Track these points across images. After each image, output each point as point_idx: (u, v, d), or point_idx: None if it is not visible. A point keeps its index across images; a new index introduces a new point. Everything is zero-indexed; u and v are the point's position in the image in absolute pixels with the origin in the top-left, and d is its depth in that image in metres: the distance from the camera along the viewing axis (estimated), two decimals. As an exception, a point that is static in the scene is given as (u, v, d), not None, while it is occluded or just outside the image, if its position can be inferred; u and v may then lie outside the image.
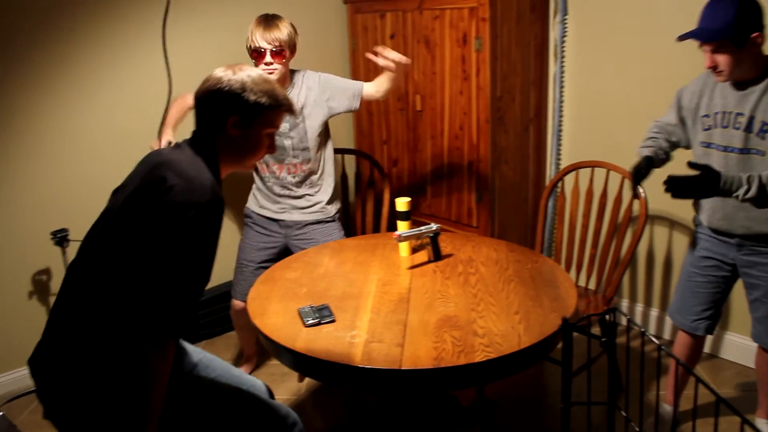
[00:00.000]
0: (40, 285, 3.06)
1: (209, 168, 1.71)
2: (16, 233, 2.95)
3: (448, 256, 2.43)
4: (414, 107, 3.45)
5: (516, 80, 3.21)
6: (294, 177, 2.78)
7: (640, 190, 2.56)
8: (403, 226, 2.45)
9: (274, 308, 2.08)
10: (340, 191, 3.15)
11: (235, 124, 1.73)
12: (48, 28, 2.88)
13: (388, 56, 2.59)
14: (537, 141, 3.43)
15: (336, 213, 2.91)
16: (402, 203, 2.43)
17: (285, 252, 2.85)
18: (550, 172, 3.52)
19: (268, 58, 2.59)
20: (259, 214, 2.88)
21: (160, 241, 1.56)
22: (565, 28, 3.32)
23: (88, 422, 1.65)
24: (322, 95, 2.75)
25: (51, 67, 2.92)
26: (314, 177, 2.82)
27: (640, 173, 2.26)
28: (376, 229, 3.28)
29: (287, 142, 2.72)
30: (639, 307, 3.39)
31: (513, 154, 3.29)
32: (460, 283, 2.18)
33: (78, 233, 3.00)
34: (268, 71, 2.59)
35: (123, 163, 3.13)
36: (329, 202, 2.88)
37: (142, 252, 1.58)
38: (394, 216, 2.55)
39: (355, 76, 3.71)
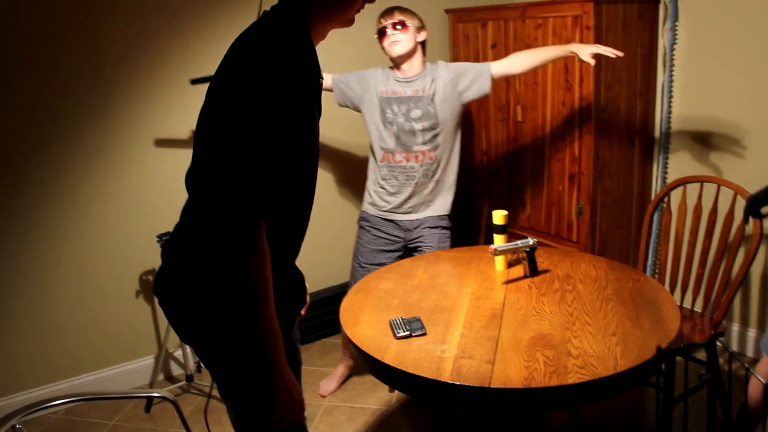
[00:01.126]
0: (146, 284, 3.22)
1: (292, 30, 1.45)
2: (126, 235, 3.13)
3: (545, 271, 2.37)
4: (515, 118, 3.40)
5: (621, 90, 3.10)
6: (421, 166, 2.82)
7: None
8: (499, 240, 2.41)
9: (366, 318, 2.10)
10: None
11: None
12: (157, 45, 3.05)
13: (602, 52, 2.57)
14: (642, 154, 3.29)
15: (451, 222, 2.95)
16: (499, 216, 2.39)
17: (404, 255, 2.91)
18: (655, 187, 3.37)
19: (390, 31, 2.74)
20: (376, 216, 2.94)
21: (224, 112, 1.40)
22: (676, 35, 3.17)
23: (213, 335, 1.54)
24: (451, 82, 2.80)
25: (160, 76, 3.08)
26: (440, 169, 2.85)
27: (755, 203, 2.09)
28: (474, 241, 3.25)
29: (417, 127, 2.78)
30: (751, 333, 3.18)
31: (617, 167, 3.17)
32: (555, 301, 2.12)
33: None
34: (392, 42, 2.75)
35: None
36: (451, 206, 2.92)
37: (212, 132, 1.44)
38: (491, 229, 2.52)
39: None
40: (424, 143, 2.80)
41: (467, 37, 3.60)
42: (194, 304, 1.55)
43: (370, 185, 2.96)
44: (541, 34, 3.15)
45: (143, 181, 3.13)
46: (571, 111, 3.09)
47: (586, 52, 2.58)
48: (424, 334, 1.96)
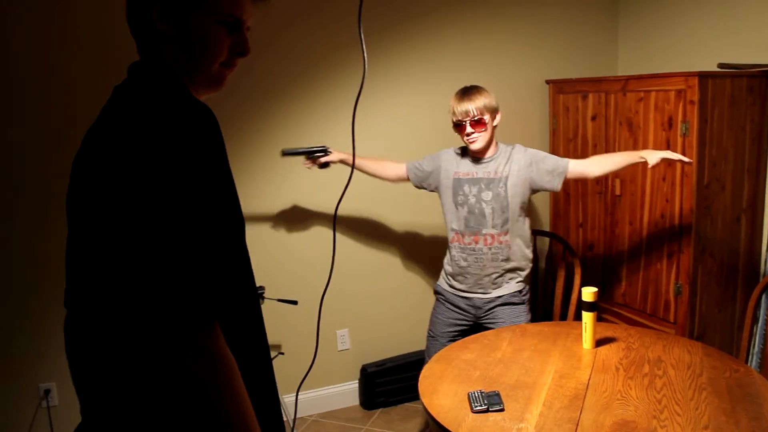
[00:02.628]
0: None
1: (161, 89, 1.17)
2: (224, 288, 3.24)
3: (611, 340, 2.26)
4: (613, 191, 3.32)
5: (727, 167, 2.97)
6: (490, 249, 2.78)
7: None
8: (587, 318, 2.33)
9: (445, 389, 2.07)
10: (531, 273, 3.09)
11: (163, 16, 1.20)
12: (260, 104, 3.21)
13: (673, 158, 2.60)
14: (750, 233, 3.12)
15: (526, 295, 2.87)
16: (588, 293, 2.32)
17: (475, 329, 2.86)
18: (764, 269, 3.18)
19: (468, 129, 2.71)
20: (450, 292, 2.91)
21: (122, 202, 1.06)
22: (790, 112, 3.03)
23: None
24: (527, 168, 2.76)
25: (259, 138, 3.23)
26: (510, 252, 2.80)
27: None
28: (563, 316, 3.16)
29: (487, 210, 2.75)
30: None
31: (720, 246, 3.02)
32: (643, 386, 2.02)
33: (272, 292, 3.25)
34: (470, 139, 2.72)
35: (312, 234, 3.36)
36: (523, 282, 2.86)
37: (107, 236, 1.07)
38: (580, 305, 2.45)
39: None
40: (494, 226, 2.75)
41: (567, 108, 3.58)
42: None
43: (445, 262, 2.94)
44: (642, 108, 3.09)
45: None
46: (671, 187, 2.99)
47: (655, 158, 2.59)
48: (501, 410, 1.91)
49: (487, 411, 1.90)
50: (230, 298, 1.15)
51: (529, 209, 2.84)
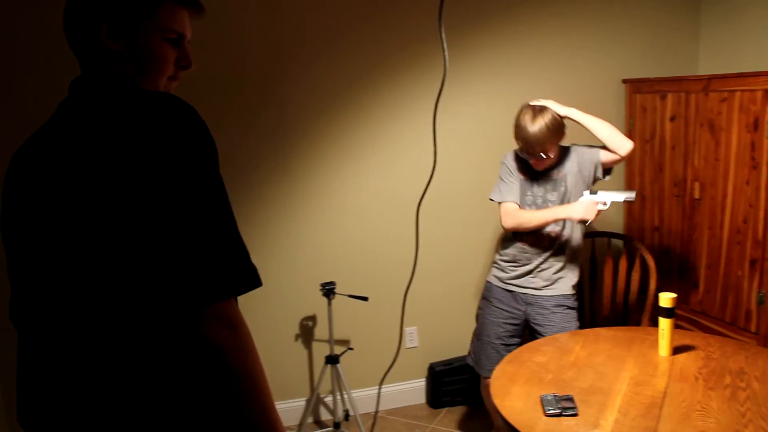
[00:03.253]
0: (305, 329, 3.37)
1: (136, 91, 1.19)
2: (291, 281, 3.30)
3: (690, 348, 2.19)
4: (692, 195, 3.22)
5: (817, 172, 2.84)
6: (551, 245, 2.78)
7: None
8: (665, 324, 2.27)
9: (517, 391, 2.05)
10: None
11: (111, 33, 1.20)
12: (338, 99, 3.24)
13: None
14: (841, 242, 2.98)
15: (576, 301, 2.84)
16: (666, 299, 2.26)
17: (526, 325, 2.85)
18: None
19: (533, 161, 2.73)
20: (498, 287, 2.89)
21: (157, 195, 1.06)
22: None
23: None
24: (578, 165, 2.77)
25: (334, 134, 3.26)
26: (566, 249, 2.78)
27: None
28: (636, 322, 3.09)
29: (549, 207, 2.75)
30: None
31: (808, 255, 2.89)
32: (725, 397, 1.95)
33: (343, 287, 3.28)
34: (536, 166, 2.76)
35: (384, 229, 3.38)
36: (575, 287, 2.82)
37: (141, 229, 1.07)
38: (657, 310, 2.38)
39: (630, 157, 3.58)
40: (555, 225, 2.76)
41: (644, 108, 3.49)
42: None
43: (498, 258, 2.93)
44: (725, 109, 2.99)
45: (315, 230, 3.30)
46: (756, 191, 2.87)
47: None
48: (575, 415, 1.88)
49: (560, 415, 1.88)
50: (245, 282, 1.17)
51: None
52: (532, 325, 2.83)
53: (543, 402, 1.95)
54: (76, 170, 1.09)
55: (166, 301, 1.07)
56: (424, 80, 3.33)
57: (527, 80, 3.45)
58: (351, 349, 3.34)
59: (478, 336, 2.95)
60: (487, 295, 2.94)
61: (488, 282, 2.96)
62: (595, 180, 2.80)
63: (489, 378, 2.83)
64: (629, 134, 3.60)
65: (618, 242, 3.54)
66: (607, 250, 3.31)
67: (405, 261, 3.40)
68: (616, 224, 3.75)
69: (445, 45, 1.73)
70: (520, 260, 2.82)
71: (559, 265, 2.78)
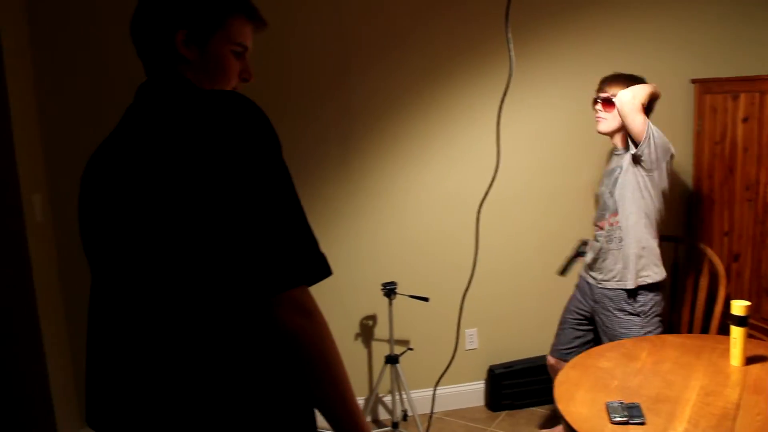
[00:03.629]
0: (365, 328, 3.39)
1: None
2: (351, 281, 3.33)
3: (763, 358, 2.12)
4: (765, 199, 3.11)
5: None
6: (606, 232, 2.77)
7: None
8: (737, 333, 2.20)
9: (582, 397, 2.03)
10: (667, 287, 2.94)
11: (187, 41, 1.25)
12: (400, 98, 3.25)
13: None
14: None
15: (647, 308, 2.73)
16: (739, 307, 2.19)
17: (593, 329, 2.88)
18: None
19: (598, 106, 2.74)
20: (581, 276, 2.95)
21: (238, 185, 1.09)
22: None
23: None
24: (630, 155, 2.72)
25: (396, 133, 3.27)
26: (623, 237, 2.71)
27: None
28: (705, 329, 3.00)
29: (609, 199, 2.77)
30: None
31: None
32: (802, 410, 1.88)
33: (403, 288, 3.29)
34: (597, 117, 2.77)
35: (445, 230, 3.37)
36: (636, 281, 2.72)
37: (222, 219, 1.09)
38: (727, 317, 2.32)
39: (698, 159, 3.49)
40: (613, 213, 2.75)
41: (715, 109, 3.38)
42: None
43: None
44: (803, 110, 2.88)
45: (376, 230, 3.31)
46: (835, 196, 2.76)
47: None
48: (642, 423, 1.84)
49: (626, 423, 1.85)
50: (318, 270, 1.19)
51: (652, 205, 2.72)
52: (594, 318, 2.84)
53: (609, 409, 1.92)
54: (154, 169, 1.12)
55: (243, 289, 1.11)
56: (488, 80, 3.31)
57: (592, 81, 3.37)
58: (411, 349, 3.35)
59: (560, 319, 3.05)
60: (577, 283, 3.01)
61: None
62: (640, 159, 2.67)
63: (553, 358, 3.03)
64: (697, 136, 3.50)
65: (681, 247, 3.45)
66: (673, 255, 3.23)
67: (466, 262, 3.39)
68: (679, 227, 3.65)
69: (511, 45, 1.72)
70: (595, 248, 2.84)
71: (616, 254, 2.73)
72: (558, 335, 3.01)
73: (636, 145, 2.61)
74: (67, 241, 2.99)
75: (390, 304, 3.07)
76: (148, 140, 1.16)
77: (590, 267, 2.85)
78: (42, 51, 2.86)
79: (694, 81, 3.51)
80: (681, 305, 3.14)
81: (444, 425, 3.35)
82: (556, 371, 2.99)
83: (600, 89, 2.77)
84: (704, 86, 3.45)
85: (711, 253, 2.98)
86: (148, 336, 1.15)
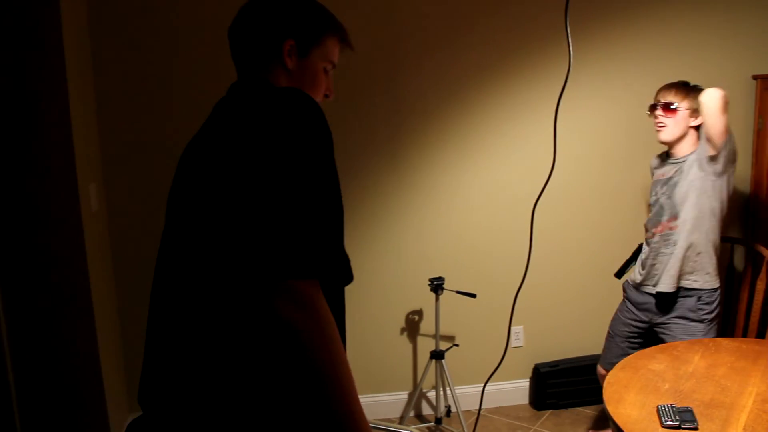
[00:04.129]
0: (411, 323, 3.38)
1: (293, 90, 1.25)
2: (398, 275, 3.32)
3: None
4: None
5: None
6: (660, 236, 2.69)
7: None
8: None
9: (631, 399, 1.98)
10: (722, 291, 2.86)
11: (291, 50, 1.32)
12: (453, 93, 3.22)
13: None
14: None
15: (710, 314, 2.65)
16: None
17: (651, 332, 2.76)
18: None
19: (658, 112, 2.64)
20: (632, 286, 2.84)
21: (266, 166, 1.11)
22: None
23: None
24: (698, 163, 2.60)
25: (448, 127, 3.25)
26: (678, 240, 2.62)
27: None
28: (761, 334, 2.91)
29: (667, 204, 2.68)
30: None
31: None
32: None
33: (453, 283, 3.27)
34: (658, 125, 2.65)
35: (497, 227, 3.34)
36: (704, 287, 2.64)
37: (242, 199, 1.12)
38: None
39: (758, 158, 3.38)
40: (669, 219, 2.66)
41: (777, 106, 3.27)
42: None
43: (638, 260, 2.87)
44: None
45: (423, 225, 3.30)
46: None
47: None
48: (695, 429, 1.80)
49: (678, 428, 1.80)
50: (331, 270, 1.18)
51: (717, 206, 2.61)
52: (657, 330, 2.74)
53: (660, 412, 1.87)
54: (211, 157, 1.18)
55: (248, 270, 1.09)
56: (543, 75, 3.26)
57: (651, 76, 3.30)
58: (456, 345, 3.33)
59: (608, 331, 2.96)
60: (624, 293, 2.90)
61: (626, 280, 2.91)
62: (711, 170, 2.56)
63: (605, 370, 2.92)
64: (757, 134, 3.39)
65: (738, 248, 3.35)
66: (730, 257, 3.14)
67: (513, 258, 3.36)
68: (736, 228, 3.54)
69: (570, 40, 1.68)
70: (644, 261, 2.77)
71: (670, 259, 2.65)
72: (608, 347, 2.92)
73: (713, 146, 2.50)
74: (120, 231, 3.06)
75: (437, 299, 3.05)
76: (215, 130, 1.22)
77: (644, 275, 2.74)
78: (101, 45, 2.93)
79: (755, 77, 3.40)
80: (736, 308, 3.04)
81: (488, 422, 3.33)
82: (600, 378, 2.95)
83: (659, 96, 2.67)
84: (766, 83, 3.34)
85: (769, 255, 2.89)
86: (177, 317, 1.20)
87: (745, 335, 2.98)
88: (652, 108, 2.68)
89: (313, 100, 1.19)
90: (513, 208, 3.33)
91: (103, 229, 3.01)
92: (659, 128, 2.64)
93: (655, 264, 2.70)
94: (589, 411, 3.41)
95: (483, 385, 2.40)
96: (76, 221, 2.69)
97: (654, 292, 2.69)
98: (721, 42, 3.37)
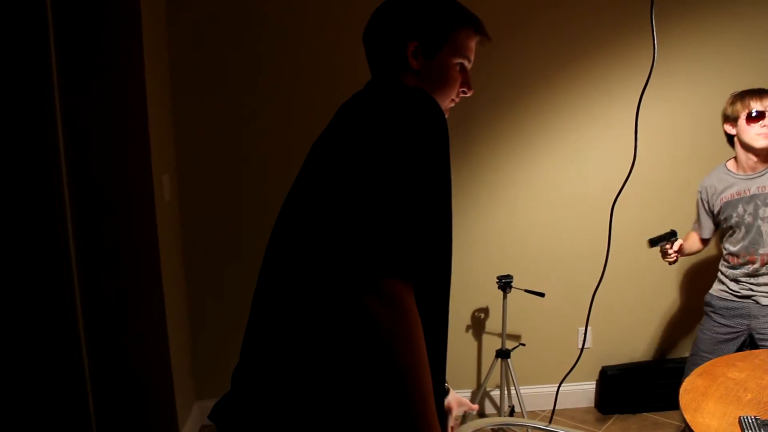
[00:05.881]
0: (477, 321, 3.35)
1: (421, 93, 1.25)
2: (466, 272, 3.29)
3: None
4: None
5: None
6: (766, 267, 2.54)
7: None
8: None
9: (710, 408, 1.91)
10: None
11: (416, 52, 1.31)
12: (524, 87, 3.17)
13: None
14: None
15: None
16: None
17: (749, 343, 2.63)
18: None
19: (764, 121, 2.46)
20: (719, 297, 2.68)
21: (372, 162, 1.12)
22: None
23: None
24: None
25: (517, 122, 3.19)
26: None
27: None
28: None
29: (765, 228, 2.50)
30: None
31: None
32: None
33: (520, 282, 3.22)
34: (764, 134, 2.47)
35: (565, 226, 3.27)
36: None
37: (344, 192, 1.14)
38: None
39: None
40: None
41: None
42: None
43: (719, 273, 2.71)
44: None
45: (491, 222, 3.26)
46: None
47: None
48: (781, 443, 1.72)
49: (763, 441, 1.72)
50: (429, 272, 1.19)
51: None
52: (757, 336, 2.61)
53: (742, 424, 1.79)
54: (330, 155, 1.20)
55: (342, 265, 1.11)
56: (623, 69, 3.18)
57: (734, 73, 3.19)
58: (523, 344, 3.28)
59: (692, 350, 2.78)
60: (707, 309, 2.75)
61: (709, 294, 2.74)
62: None
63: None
64: None
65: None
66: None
67: (583, 258, 3.29)
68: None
69: (654, 33, 1.62)
70: (738, 282, 2.63)
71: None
72: (694, 365, 2.68)
73: None
74: (190, 221, 3.12)
75: (504, 297, 3.01)
76: (337, 131, 1.22)
77: (739, 295, 2.61)
78: (177, 42, 2.98)
79: (844, 75, 3.24)
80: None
81: (553, 425, 3.27)
82: None
83: (756, 103, 2.49)
84: None
85: None
86: (276, 306, 1.22)
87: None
88: (760, 114, 2.49)
89: (433, 101, 1.17)
90: (584, 206, 3.26)
91: (175, 218, 3.07)
92: (766, 134, 2.48)
93: (760, 293, 2.57)
94: (658, 417, 3.32)
95: (558, 385, 2.34)
96: (150, 210, 2.75)
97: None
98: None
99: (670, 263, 2.70)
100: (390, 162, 1.10)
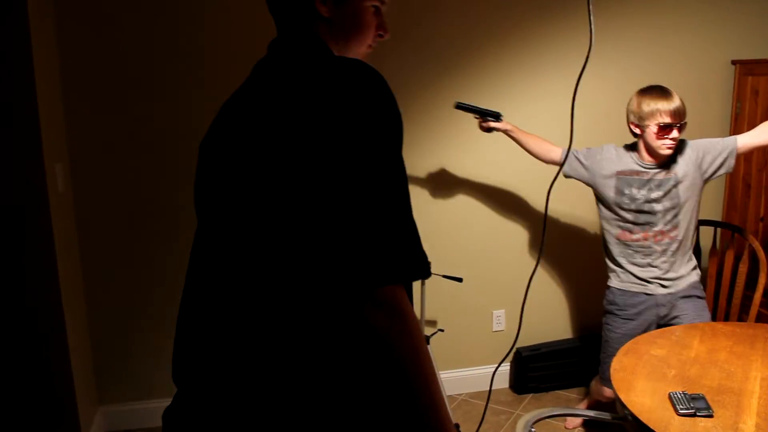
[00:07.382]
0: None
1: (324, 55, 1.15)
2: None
3: None
4: (806, 184, 3.04)
5: None
6: (659, 246, 2.62)
7: None
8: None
9: (641, 386, 1.96)
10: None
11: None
12: (444, 61, 3.13)
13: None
14: None
15: (703, 289, 2.72)
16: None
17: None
18: None
19: (675, 133, 2.51)
20: (623, 292, 2.73)
21: (335, 158, 0.99)
22: None
23: None
24: (696, 162, 2.60)
25: (445, 106, 3.16)
26: (681, 247, 2.65)
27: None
28: (740, 317, 2.94)
29: (658, 207, 2.59)
30: None
31: None
32: None
33: (437, 267, 3.18)
34: (668, 147, 2.52)
35: (483, 211, 3.27)
36: (698, 274, 2.72)
37: (312, 193, 1.00)
38: (766, 307, 2.25)
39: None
40: (665, 224, 2.60)
41: (756, 91, 3.29)
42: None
43: (609, 262, 2.79)
44: None
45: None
46: None
47: None
48: (710, 416, 1.78)
49: (694, 415, 1.78)
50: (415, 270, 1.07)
51: (700, 199, 2.68)
52: (665, 323, 2.69)
53: (672, 400, 1.85)
54: (261, 133, 1.05)
55: (332, 278, 0.99)
56: (535, 57, 3.20)
57: (627, 61, 3.29)
58: (441, 330, 3.27)
59: (604, 344, 2.83)
60: (611, 308, 2.78)
61: (612, 289, 2.78)
62: (723, 174, 2.64)
63: (602, 384, 2.84)
64: (735, 118, 3.42)
65: (708, 229, 3.37)
66: (712, 240, 3.15)
67: (497, 243, 3.31)
68: (713, 212, 3.57)
69: (592, 17, 1.60)
70: (631, 260, 2.71)
71: (671, 263, 2.66)
72: (607, 362, 2.74)
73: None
74: (87, 212, 2.88)
75: (422, 283, 2.98)
76: (263, 103, 1.08)
77: (639, 278, 2.69)
78: (66, 22, 2.72)
79: (734, 62, 3.42)
80: (716, 292, 3.07)
81: (470, 407, 3.29)
82: (600, 395, 2.88)
83: (676, 115, 2.49)
84: (746, 68, 3.36)
85: (753, 240, 2.91)
86: (230, 304, 1.08)
87: (726, 319, 3.00)
88: (667, 127, 2.49)
89: (382, 80, 1.05)
90: (504, 191, 3.28)
91: (70, 209, 2.83)
92: (671, 147, 2.52)
93: (654, 268, 2.67)
94: (571, 394, 3.41)
95: (494, 369, 2.31)
96: (43, 201, 2.52)
97: (671, 291, 2.67)
98: (700, 26, 3.37)
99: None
100: (356, 156, 0.99)
